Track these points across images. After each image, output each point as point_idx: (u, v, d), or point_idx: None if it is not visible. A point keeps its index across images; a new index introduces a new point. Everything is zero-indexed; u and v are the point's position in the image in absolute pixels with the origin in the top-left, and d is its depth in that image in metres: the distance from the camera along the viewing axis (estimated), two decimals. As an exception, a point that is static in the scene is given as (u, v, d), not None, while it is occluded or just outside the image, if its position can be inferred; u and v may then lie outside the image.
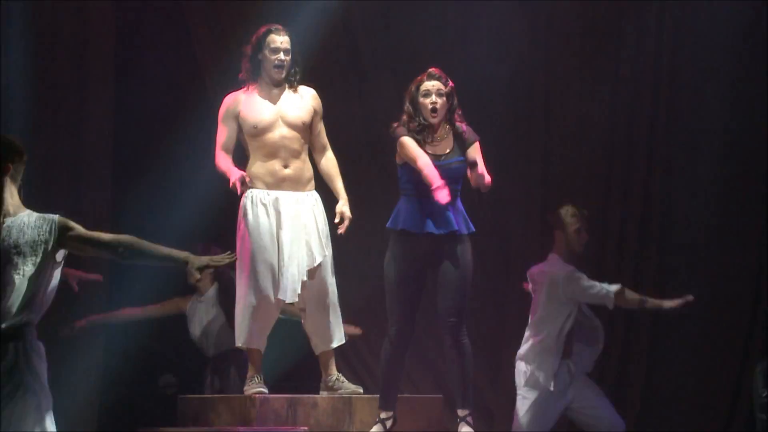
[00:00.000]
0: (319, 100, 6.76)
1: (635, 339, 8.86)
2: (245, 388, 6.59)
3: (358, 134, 8.84)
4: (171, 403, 7.99)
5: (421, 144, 6.29)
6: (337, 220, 6.63)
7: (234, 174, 6.46)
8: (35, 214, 5.23)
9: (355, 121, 8.86)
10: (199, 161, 8.54)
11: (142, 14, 9.13)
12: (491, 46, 8.98)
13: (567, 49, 9.09)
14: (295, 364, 8.48)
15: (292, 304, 6.63)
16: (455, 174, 6.31)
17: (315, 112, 6.72)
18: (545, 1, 9.05)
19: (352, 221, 6.65)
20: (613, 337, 8.66)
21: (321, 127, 6.77)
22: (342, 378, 6.72)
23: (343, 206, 6.65)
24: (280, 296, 6.49)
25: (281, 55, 6.62)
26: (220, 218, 8.55)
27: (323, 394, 6.68)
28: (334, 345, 6.70)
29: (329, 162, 6.77)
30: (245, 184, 6.43)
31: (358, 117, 8.89)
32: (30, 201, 7.51)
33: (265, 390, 6.54)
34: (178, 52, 9.13)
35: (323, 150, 6.77)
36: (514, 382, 7.82)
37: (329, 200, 6.75)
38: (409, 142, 6.26)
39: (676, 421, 8.76)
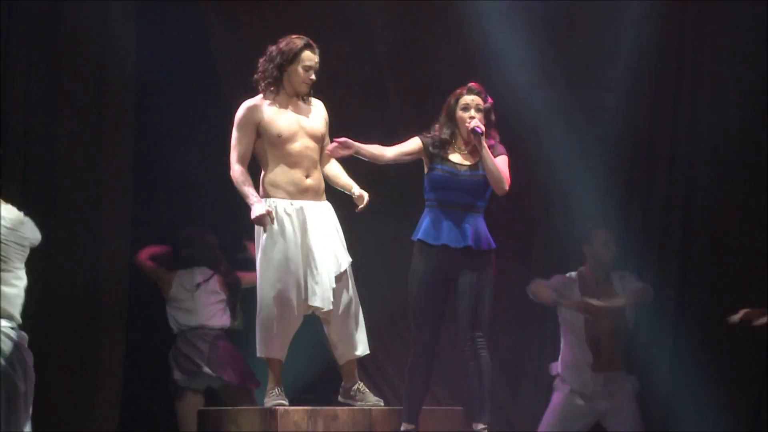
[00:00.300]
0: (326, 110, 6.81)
1: (658, 340, 8.80)
2: (266, 399, 6.59)
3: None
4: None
5: (442, 153, 6.32)
6: (357, 193, 6.60)
7: (257, 208, 6.46)
8: None
9: (377, 132, 8.84)
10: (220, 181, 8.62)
11: (164, 36, 9.15)
12: (511, 54, 8.98)
13: (586, 58, 9.08)
14: (316, 376, 8.48)
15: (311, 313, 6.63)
16: (477, 187, 6.31)
17: (327, 122, 6.76)
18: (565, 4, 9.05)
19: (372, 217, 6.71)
20: (635, 340, 8.62)
21: (328, 138, 6.78)
22: (363, 388, 6.72)
23: (359, 189, 6.63)
24: (315, 304, 6.49)
25: (312, 74, 6.62)
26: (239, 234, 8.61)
27: (340, 399, 6.69)
28: (359, 354, 6.69)
29: (333, 164, 6.75)
30: (268, 220, 6.44)
31: (379, 129, 8.88)
32: (52, 226, 7.57)
33: (286, 402, 6.54)
34: (201, 72, 9.17)
35: (329, 158, 6.75)
36: (534, 395, 7.83)
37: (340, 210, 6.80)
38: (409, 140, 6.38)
39: (700, 421, 8.68)
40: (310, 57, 6.60)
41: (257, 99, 6.67)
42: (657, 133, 9.04)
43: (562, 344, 7.97)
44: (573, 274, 7.94)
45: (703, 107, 8.95)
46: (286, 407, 6.50)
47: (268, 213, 6.43)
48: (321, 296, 6.48)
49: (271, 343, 6.54)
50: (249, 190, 6.52)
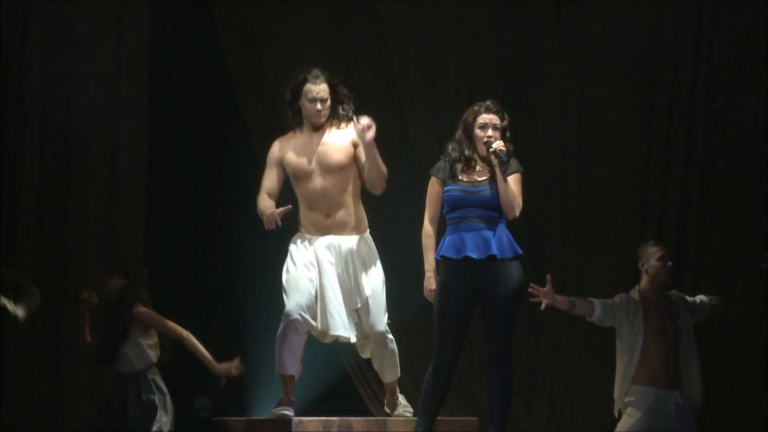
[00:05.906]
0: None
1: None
2: (273, 410, 6.60)
3: (397, 161, 8.82)
4: (206, 425, 8.03)
5: (458, 172, 6.33)
6: (361, 126, 6.36)
7: (267, 213, 6.45)
8: None
9: (394, 149, 8.85)
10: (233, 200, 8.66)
11: (177, 48, 9.20)
12: (525, 68, 9.01)
13: (602, 74, 9.10)
14: (329, 387, 8.49)
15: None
16: (493, 201, 6.30)
17: (354, 143, 6.62)
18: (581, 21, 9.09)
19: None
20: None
21: (362, 153, 6.67)
22: (402, 400, 6.82)
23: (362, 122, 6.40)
24: (339, 333, 6.55)
25: (318, 105, 6.56)
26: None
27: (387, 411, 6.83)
28: (389, 380, 6.81)
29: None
30: (274, 220, 6.40)
31: (396, 146, 8.89)
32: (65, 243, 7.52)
33: (290, 413, 6.53)
34: (214, 84, 9.22)
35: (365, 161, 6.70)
36: (548, 407, 7.75)
37: (383, 244, 6.79)
38: (429, 190, 6.38)
39: (719, 422, 8.66)
40: (310, 89, 6.56)
41: (286, 136, 6.70)
42: (670, 146, 9.08)
43: (626, 367, 7.69)
44: (634, 293, 7.66)
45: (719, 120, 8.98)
46: (300, 418, 6.51)
47: (273, 215, 6.39)
48: (339, 326, 6.53)
49: (281, 360, 6.56)
50: (263, 206, 6.51)
